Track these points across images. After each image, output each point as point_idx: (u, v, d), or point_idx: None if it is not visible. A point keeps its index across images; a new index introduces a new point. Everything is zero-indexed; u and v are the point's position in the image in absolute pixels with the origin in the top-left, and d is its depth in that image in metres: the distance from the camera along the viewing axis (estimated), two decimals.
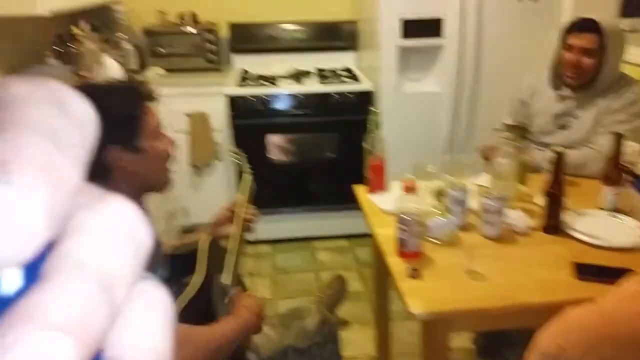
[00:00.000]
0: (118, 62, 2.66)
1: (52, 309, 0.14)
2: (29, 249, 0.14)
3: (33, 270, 0.15)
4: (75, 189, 0.15)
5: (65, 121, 0.16)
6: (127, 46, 2.91)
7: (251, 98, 2.77)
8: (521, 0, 2.61)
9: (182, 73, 3.00)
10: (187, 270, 1.18)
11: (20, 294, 0.15)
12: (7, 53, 2.35)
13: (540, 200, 1.51)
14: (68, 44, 2.75)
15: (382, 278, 1.86)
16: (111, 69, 2.57)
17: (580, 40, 1.87)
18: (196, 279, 1.16)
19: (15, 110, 0.15)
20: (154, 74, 2.95)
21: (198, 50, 3.02)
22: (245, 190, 1.46)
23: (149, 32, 3.03)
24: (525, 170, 1.69)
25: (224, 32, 3.16)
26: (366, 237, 2.96)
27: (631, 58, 2.11)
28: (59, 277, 0.14)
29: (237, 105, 2.77)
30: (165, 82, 2.87)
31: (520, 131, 1.70)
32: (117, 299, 0.15)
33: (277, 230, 2.97)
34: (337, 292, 2.40)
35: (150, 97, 1.13)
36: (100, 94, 0.98)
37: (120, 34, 2.91)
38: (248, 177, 1.49)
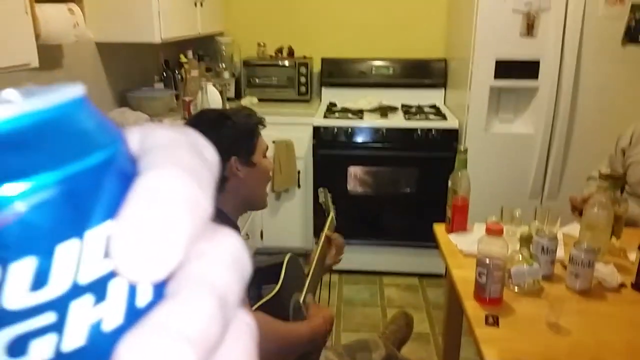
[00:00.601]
0: (217, 89, 2.84)
1: (181, 320, 0.16)
2: (168, 268, 0.16)
3: (160, 287, 0.17)
4: (207, 220, 0.18)
5: (201, 163, 0.19)
6: (227, 75, 3.10)
7: (335, 129, 2.84)
8: (625, 45, 2.50)
9: (274, 102, 3.14)
10: (265, 280, 1.28)
11: (150, 307, 0.17)
12: (120, 75, 2.60)
13: (633, 256, 1.41)
14: (174, 70, 2.99)
15: (453, 322, 1.80)
16: (211, 96, 2.76)
17: None
18: (274, 286, 1.24)
19: (166, 151, 0.18)
20: (248, 102, 3.11)
21: (290, 82, 3.16)
22: (329, 225, 1.56)
23: (247, 63, 3.21)
24: (620, 223, 1.59)
25: (317, 66, 3.28)
26: (437, 277, 2.92)
27: None
28: (185, 293, 0.16)
29: (321, 135, 2.85)
30: (259, 110, 3.01)
31: (617, 181, 1.61)
32: (229, 319, 0.17)
33: (347, 261, 2.95)
34: (402, 328, 2.35)
35: (262, 122, 1.36)
36: (230, 113, 1.24)
37: (221, 63, 3.11)
38: (332, 215, 1.59)
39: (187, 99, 2.72)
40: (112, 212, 0.17)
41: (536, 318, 1.24)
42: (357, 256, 3.01)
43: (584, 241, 1.38)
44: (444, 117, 2.91)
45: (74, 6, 1.96)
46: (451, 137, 2.78)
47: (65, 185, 0.16)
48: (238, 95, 3.25)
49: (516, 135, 2.70)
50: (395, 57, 3.25)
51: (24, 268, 0.15)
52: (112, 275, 0.16)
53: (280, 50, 3.29)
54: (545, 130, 2.62)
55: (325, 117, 2.91)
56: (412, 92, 3.25)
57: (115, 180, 0.17)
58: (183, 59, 3.04)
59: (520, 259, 1.38)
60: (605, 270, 1.39)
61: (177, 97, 2.85)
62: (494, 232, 1.31)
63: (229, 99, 3.04)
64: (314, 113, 2.97)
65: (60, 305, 0.16)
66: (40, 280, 0.15)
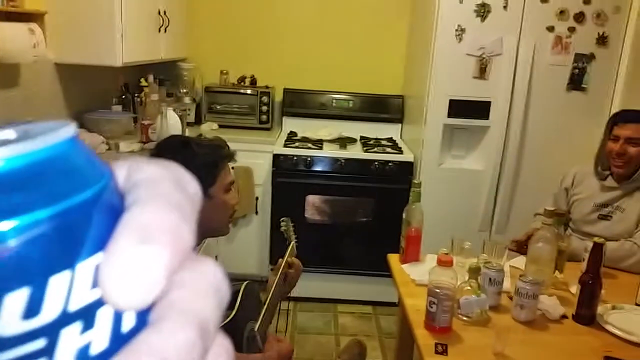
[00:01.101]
0: (177, 114, 2.84)
1: (162, 348, 0.17)
2: (150, 297, 0.17)
3: (143, 314, 0.18)
4: (189, 252, 0.19)
5: (184, 196, 0.20)
6: (187, 100, 3.11)
7: (294, 157, 2.88)
8: (570, 91, 2.67)
9: (234, 129, 3.15)
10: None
11: (133, 332, 0.18)
12: (78, 96, 2.56)
13: (575, 289, 1.49)
14: (134, 93, 2.97)
15: (404, 350, 1.83)
16: (171, 120, 2.75)
17: (626, 131, 1.90)
18: (228, 313, 1.24)
19: (152, 186, 0.19)
20: (208, 128, 3.12)
21: (252, 109, 3.20)
22: (289, 253, 1.58)
23: (209, 89, 3.23)
24: (563, 257, 1.68)
25: (279, 96, 3.34)
26: (391, 306, 2.96)
27: None
28: (166, 322, 0.17)
29: (280, 163, 2.88)
30: (213, 136, 3.02)
31: (560, 218, 1.70)
32: (208, 345, 0.18)
33: (302, 288, 2.96)
34: (355, 357, 2.35)
35: (231, 157, 1.37)
36: (195, 142, 1.23)
37: (183, 88, 3.11)
38: (293, 244, 1.61)
39: (145, 122, 2.70)
40: (101, 244, 0.18)
41: (483, 347, 1.29)
42: (313, 284, 3.01)
43: (529, 274, 1.45)
44: (400, 151, 3.00)
45: (35, 26, 1.94)
46: (406, 169, 2.87)
47: (58, 220, 0.17)
48: (198, 120, 3.25)
49: (467, 171, 2.81)
50: (355, 92, 3.35)
51: (17, 298, 0.16)
52: (99, 303, 0.17)
53: (242, 79, 3.33)
54: (495, 167, 2.74)
55: (285, 145, 2.95)
56: (370, 126, 3.34)
57: (104, 214, 0.18)
58: (143, 82, 3.03)
59: (469, 289, 1.43)
60: (548, 302, 1.46)
61: (135, 120, 2.83)
62: (444, 263, 1.36)
63: (189, 124, 3.04)
64: (274, 141, 3.00)
65: (50, 332, 0.17)
66: (32, 309, 0.16)
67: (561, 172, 2.26)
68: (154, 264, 0.17)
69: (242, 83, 3.32)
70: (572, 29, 2.59)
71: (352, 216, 3.04)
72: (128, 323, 0.18)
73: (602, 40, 2.61)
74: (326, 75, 3.41)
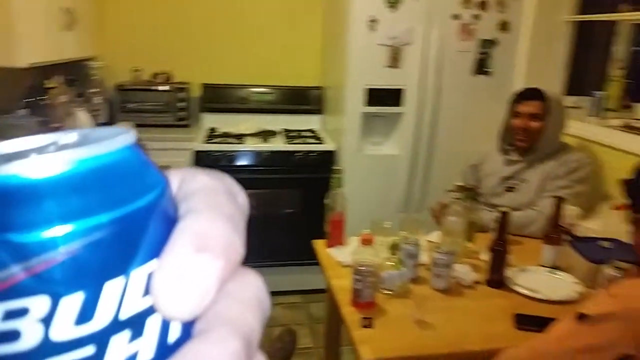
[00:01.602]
0: (88, 115, 2.72)
1: (208, 357, 0.17)
2: (201, 307, 0.17)
3: (188, 324, 0.18)
4: (239, 262, 0.19)
5: (236, 208, 0.20)
6: (98, 100, 2.99)
7: (216, 154, 2.85)
8: (476, 75, 2.84)
9: (150, 128, 3.07)
10: None
11: (178, 343, 0.18)
12: None
13: (486, 256, 1.61)
14: (40, 95, 2.81)
15: (333, 333, 1.89)
16: (81, 122, 2.63)
17: (527, 107, 2.06)
18: None
19: (207, 196, 0.20)
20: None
21: (168, 107, 3.12)
22: None
23: (121, 88, 3.12)
24: (473, 228, 1.80)
25: (196, 92, 3.29)
26: (320, 293, 3.01)
27: (573, 130, 2.31)
28: (212, 333, 0.17)
29: (202, 160, 2.84)
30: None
31: (469, 192, 1.82)
32: (251, 358, 0.18)
33: None
34: (287, 345, 2.39)
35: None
36: None
37: (93, 88, 2.99)
38: None
39: (55, 125, 2.57)
40: (155, 251, 0.18)
41: (405, 317, 1.36)
42: None
43: (443, 246, 1.54)
44: (321, 141, 3.05)
45: None
46: (329, 158, 2.93)
47: (116, 226, 0.16)
48: (112, 121, 3.13)
49: (386, 156, 2.92)
50: (274, 84, 3.37)
51: (73, 302, 0.16)
52: (149, 311, 0.17)
53: (157, 76, 3.24)
54: (411, 151, 2.87)
55: (206, 142, 2.92)
56: (291, 118, 3.37)
57: (159, 221, 0.18)
58: (51, 83, 2.87)
59: (390, 264, 1.50)
60: (462, 270, 1.56)
61: (45, 123, 2.68)
62: (366, 242, 1.42)
63: (101, 125, 2.92)
64: (194, 138, 2.96)
65: (101, 339, 0.16)
66: (86, 314, 0.16)
67: (470, 151, 2.42)
68: (208, 274, 0.17)
69: (157, 80, 3.23)
70: (476, 16, 2.75)
71: (279, 208, 3.06)
72: (174, 333, 0.18)
73: (503, 26, 2.79)
74: (244, 69, 3.39)
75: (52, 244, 0.15)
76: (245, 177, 2.93)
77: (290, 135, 3.19)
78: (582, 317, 0.95)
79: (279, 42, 3.41)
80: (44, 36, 2.38)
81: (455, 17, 2.74)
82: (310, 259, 1.90)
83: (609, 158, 2.22)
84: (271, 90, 3.36)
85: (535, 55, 2.81)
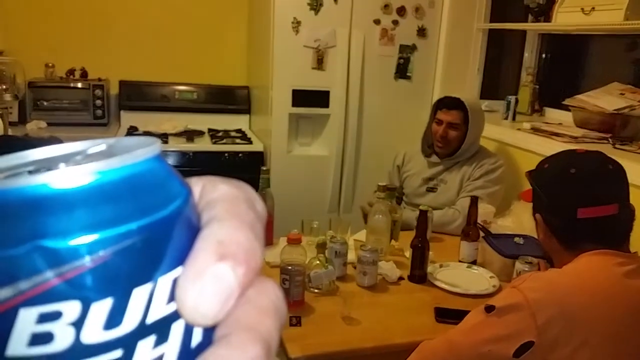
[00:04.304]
0: None
1: None
2: (223, 313, 0.18)
3: (209, 330, 0.19)
4: (259, 269, 0.19)
5: (256, 216, 0.20)
6: (8, 98, 2.79)
7: None
8: (397, 79, 2.94)
9: (66, 127, 2.91)
10: None
11: (199, 348, 0.18)
12: None
13: (409, 254, 1.67)
14: None
15: None
16: None
17: (447, 116, 2.16)
18: None
19: (228, 205, 0.20)
20: (34, 127, 2.83)
21: (84, 105, 2.97)
22: None
23: (33, 85, 2.93)
24: (397, 227, 1.86)
25: (114, 89, 3.15)
26: None
27: (488, 133, 2.45)
28: (234, 338, 0.18)
29: None
30: (47, 135, 2.77)
31: (392, 192, 1.88)
32: None
33: None
34: None
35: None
36: (22, 144, 1.09)
37: (1, 85, 2.79)
38: None
39: None
40: (180, 258, 0.18)
41: (333, 314, 1.39)
42: None
43: (369, 244, 1.59)
44: (249, 141, 3.03)
45: None
46: (257, 159, 2.91)
47: (145, 233, 0.17)
48: (23, 119, 2.93)
49: (314, 157, 2.95)
50: (199, 83, 3.29)
51: (103, 307, 0.16)
52: (174, 317, 0.18)
53: (72, 72, 3.07)
54: (338, 152, 2.92)
55: None
56: (218, 117, 3.31)
57: (183, 229, 0.19)
58: None
59: (318, 263, 1.52)
60: (386, 267, 1.61)
61: None
62: (293, 241, 1.43)
63: (11, 124, 2.73)
64: (113, 137, 2.83)
65: (128, 343, 0.17)
66: (114, 319, 0.17)
67: (394, 152, 2.50)
68: (230, 281, 0.18)
69: (72, 76, 3.06)
70: (395, 22, 2.85)
71: None
72: (196, 338, 0.19)
73: (421, 32, 2.91)
74: (166, 66, 3.29)
75: (83, 251, 0.16)
76: None
77: (217, 135, 3.13)
78: (489, 309, 1.02)
79: (203, 39, 3.34)
80: None
81: (376, 22, 2.82)
82: None
83: (520, 159, 2.38)
84: (196, 88, 3.28)
85: (452, 60, 2.95)
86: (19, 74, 2.95)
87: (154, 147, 0.19)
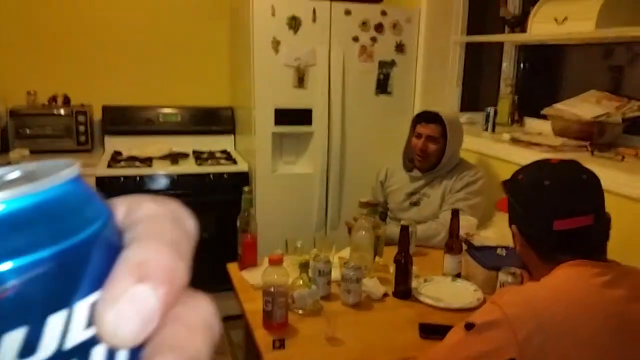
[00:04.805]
0: None
1: None
2: (146, 333, 0.18)
3: (136, 351, 0.18)
4: (184, 288, 0.19)
5: (182, 233, 0.21)
6: None
7: (121, 178, 2.74)
8: (378, 95, 2.96)
9: (49, 154, 2.89)
10: None
11: None
12: None
13: (393, 270, 1.67)
14: None
15: (252, 358, 1.86)
16: None
17: (426, 129, 2.18)
18: None
19: (151, 224, 0.20)
20: (17, 155, 2.82)
21: (67, 131, 2.96)
22: None
23: (15, 113, 2.92)
24: (381, 242, 1.86)
25: (97, 114, 3.14)
26: (241, 318, 2.95)
27: (468, 145, 2.48)
28: (158, 358, 0.18)
29: (106, 186, 2.72)
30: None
31: (374, 207, 1.89)
32: None
33: None
34: None
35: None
36: None
37: None
38: None
39: None
40: (99, 282, 0.18)
41: (317, 335, 1.38)
42: None
43: (352, 261, 1.58)
44: (234, 162, 3.03)
45: None
46: (242, 179, 2.91)
47: (58, 260, 0.17)
48: (5, 148, 2.92)
49: (299, 175, 2.95)
50: (183, 105, 3.30)
51: (15, 338, 0.16)
52: (94, 341, 0.18)
53: (54, 99, 3.06)
54: (322, 169, 2.93)
55: (109, 166, 2.79)
56: (202, 139, 3.32)
57: (102, 252, 0.18)
58: None
59: (301, 283, 1.52)
60: (370, 284, 1.61)
61: None
62: (274, 261, 1.43)
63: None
64: (96, 163, 2.82)
65: None
66: (29, 348, 0.16)
67: (378, 167, 2.51)
68: (150, 302, 0.18)
69: (54, 103, 3.06)
70: (374, 39, 2.88)
71: None
72: None
73: (400, 48, 2.95)
74: (149, 89, 3.29)
75: None
76: None
77: (202, 156, 3.13)
78: (469, 326, 1.01)
79: (185, 61, 3.35)
80: None
81: (355, 39, 2.86)
82: (227, 284, 1.87)
83: (501, 170, 2.40)
84: (179, 110, 3.29)
85: (430, 74, 2.99)
86: (1, 103, 2.94)
87: (69, 170, 0.19)
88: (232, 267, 1.90)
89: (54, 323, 0.17)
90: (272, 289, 1.41)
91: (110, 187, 2.72)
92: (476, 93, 3.33)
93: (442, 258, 1.78)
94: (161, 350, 0.18)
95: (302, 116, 2.87)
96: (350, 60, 2.86)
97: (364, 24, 2.86)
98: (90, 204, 0.19)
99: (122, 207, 0.21)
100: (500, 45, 3.15)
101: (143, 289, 0.18)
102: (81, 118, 2.97)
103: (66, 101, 3.07)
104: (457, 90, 3.09)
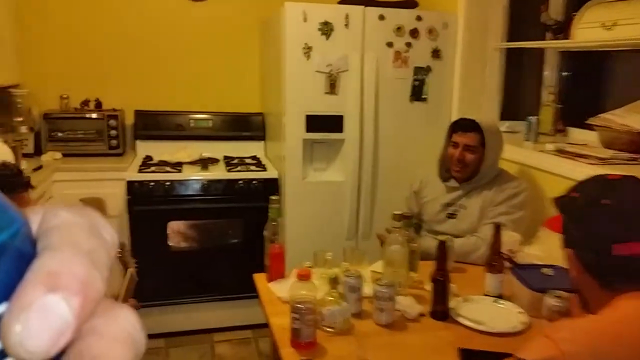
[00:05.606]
0: (11, 146, 2.53)
1: None
2: (59, 346, 0.17)
3: None
4: (100, 298, 0.18)
5: (98, 242, 0.20)
6: (24, 130, 2.80)
7: (151, 183, 2.72)
8: (413, 102, 2.86)
9: (82, 158, 2.90)
10: None
11: None
12: None
13: (429, 286, 1.57)
14: None
15: None
16: (2, 153, 2.44)
17: (464, 138, 2.07)
18: None
19: (64, 233, 0.19)
20: (50, 158, 2.83)
21: (99, 135, 2.97)
22: (127, 285, 1.42)
23: (48, 116, 2.94)
24: (415, 257, 1.76)
25: (130, 119, 3.14)
26: (268, 327, 2.88)
27: (509, 155, 2.35)
28: None
29: (136, 191, 2.70)
30: (63, 166, 2.76)
31: (408, 220, 1.79)
32: None
33: (173, 323, 2.82)
34: None
35: (25, 186, 1.22)
36: None
37: (17, 117, 2.80)
38: (131, 271, 1.45)
39: None
40: (7, 293, 0.17)
41: (347, 356, 1.29)
42: (184, 316, 2.85)
43: (385, 277, 1.49)
44: (264, 168, 2.98)
45: None
46: (272, 186, 2.86)
47: None
48: (38, 151, 2.94)
49: (329, 183, 2.87)
50: (214, 111, 3.27)
51: None
52: (2, 355, 0.17)
53: (86, 103, 3.08)
54: (354, 177, 2.84)
55: (140, 171, 2.77)
56: (233, 145, 3.28)
57: (12, 261, 0.18)
58: None
59: (331, 299, 1.44)
60: (405, 302, 1.51)
61: None
62: (303, 277, 1.35)
63: (27, 155, 2.73)
64: (127, 167, 2.81)
65: None
66: None
67: (412, 176, 2.41)
68: (62, 313, 0.17)
69: (86, 107, 3.07)
70: (409, 44, 2.79)
71: (221, 239, 2.95)
72: None
73: (436, 53, 2.85)
74: (181, 95, 3.29)
75: None
76: (184, 208, 2.80)
77: (232, 162, 3.09)
78: None
79: (217, 68, 3.34)
80: None
81: (389, 44, 2.77)
82: (255, 292, 1.81)
83: (545, 182, 2.27)
84: (210, 116, 3.26)
85: (469, 81, 2.87)
86: (34, 106, 2.97)
87: None
88: (259, 278, 1.83)
89: None
90: (300, 306, 1.33)
91: (142, 191, 2.70)
92: (515, 101, 3.19)
93: (482, 275, 1.67)
94: None
95: (333, 123, 2.80)
96: (383, 66, 2.77)
97: (398, 29, 2.77)
98: (1, 213, 0.19)
99: (37, 217, 0.21)
100: (540, 51, 3.02)
101: (53, 299, 0.17)
102: (113, 122, 2.97)
103: (98, 105, 3.09)
104: (497, 97, 2.96)
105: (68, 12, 3.09)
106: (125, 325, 0.19)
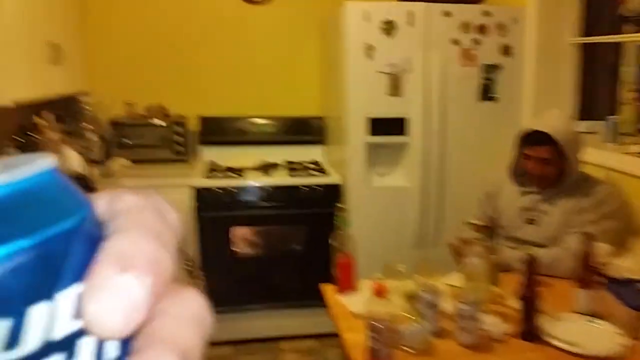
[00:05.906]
0: (81, 152, 2.60)
1: None
2: (132, 325, 0.17)
3: (126, 342, 0.18)
4: (170, 279, 0.19)
5: (164, 225, 0.20)
6: (92, 137, 2.87)
7: (217, 190, 2.72)
8: (482, 101, 2.73)
9: (148, 164, 2.95)
10: None
11: None
12: None
13: (513, 302, 1.46)
14: (29, 133, 2.69)
15: None
16: (71, 160, 2.51)
17: (537, 152, 1.90)
18: None
19: (132, 216, 0.19)
20: (118, 165, 2.89)
21: (165, 141, 3.01)
22: None
23: (116, 123, 3.01)
24: (496, 270, 1.65)
25: (193, 125, 3.17)
26: (336, 337, 2.80)
27: (589, 158, 2.18)
28: (148, 351, 0.18)
29: (203, 197, 2.71)
30: (130, 173, 2.82)
31: (488, 231, 1.68)
32: None
33: (240, 330, 2.81)
34: None
35: (91, 190, 1.17)
36: None
37: (85, 124, 2.88)
38: (199, 284, 1.43)
39: None
40: (80, 274, 0.18)
41: None
42: (251, 323, 2.84)
43: (467, 293, 1.40)
44: (326, 173, 2.93)
45: None
46: (335, 191, 2.80)
47: (37, 250, 0.17)
48: (107, 157, 3.01)
49: (395, 188, 2.78)
50: (275, 115, 3.26)
51: None
52: (81, 333, 0.18)
53: (151, 109, 3.13)
54: (420, 181, 2.73)
55: (207, 177, 2.79)
56: (293, 149, 3.25)
57: (83, 244, 0.18)
58: (39, 121, 2.75)
59: (408, 317, 1.36)
60: (490, 321, 1.41)
61: None
62: (380, 294, 1.28)
63: (95, 162, 2.80)
64: (194, 174, 2.83)
65: None
66: (12, 340, 0.16)
67: (482, 180, 2.28)
68: (135, 292, 0.17)
69: (151, 113, 3.12)
70: (476, 41, 2.66)
71: (285, 245, 2.92)
72: (110, 353, 0.18)
73: (506, 50, 2.70)
74: (242, 100, 3.29)
75: None
76: (247, 214, 2.80)
77: (293, 167, 3.06)
78: None
79: (277, 72, 3.33)
80: (29, 72, 2.27)
81: (455, 42, 2.65)
82: (320, 300, 1.76)
83: (632, 187, 2.08)
84: (271, 120, 3.25)
85: (542, 79, 2.70)
86: (102, 114, 3.05)
87: (44, 162, 0.18)
88: (328, 289, 1.77)
89: (36, 315, 0.17)
90: (379, 325, 1.26)
91: (208, 197, 2.72)
92: (590, 99, 2.98)
93: (570, 290, 1.54)
94: (151, 342, 0.18)
95: (397, 125, 2.71)
96: (449, 64, 2.66)
97: (464, 25, 2.64)
98: (69, 196, 0.19)
99: (103, 200, 0.21)
100: (615, 46, 2.80)
101: (126, 279, 0.17)
102: (178, 129, 3.00)
103: (163, 112, 3.13)
104: (573, 96, 2.77)
105: (131, 20, 3.15)
106: (193, 307, 0.20)
